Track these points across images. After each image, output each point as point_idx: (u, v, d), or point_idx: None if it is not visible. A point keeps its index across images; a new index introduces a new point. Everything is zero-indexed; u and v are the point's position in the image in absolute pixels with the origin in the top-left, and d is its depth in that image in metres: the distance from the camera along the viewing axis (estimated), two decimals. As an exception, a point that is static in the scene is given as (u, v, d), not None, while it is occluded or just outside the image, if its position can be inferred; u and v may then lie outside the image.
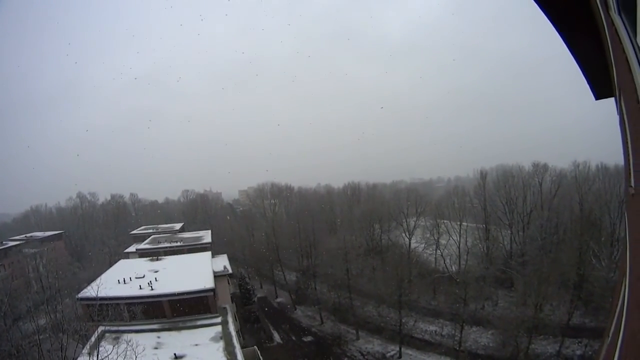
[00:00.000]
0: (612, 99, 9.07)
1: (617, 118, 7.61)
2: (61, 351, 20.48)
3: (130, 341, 21.20)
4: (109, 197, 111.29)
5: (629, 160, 5.56)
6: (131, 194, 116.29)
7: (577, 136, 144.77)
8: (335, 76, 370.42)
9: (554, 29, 7.00)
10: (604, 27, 5.41)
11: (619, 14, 3.90)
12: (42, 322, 25.22)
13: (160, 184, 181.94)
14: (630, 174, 5.50)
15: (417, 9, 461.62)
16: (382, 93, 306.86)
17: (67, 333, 21.81)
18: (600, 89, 9.15)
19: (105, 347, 21.51)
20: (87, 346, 23.32)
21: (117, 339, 24.58)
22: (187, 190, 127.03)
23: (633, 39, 3.58)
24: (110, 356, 19.92)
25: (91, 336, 24.96)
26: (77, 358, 22.34)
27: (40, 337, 21.44)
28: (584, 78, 8.84)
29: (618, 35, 4.04)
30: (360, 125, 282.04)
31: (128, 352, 20.22)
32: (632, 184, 5.09)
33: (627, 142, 5.59)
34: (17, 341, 28.37)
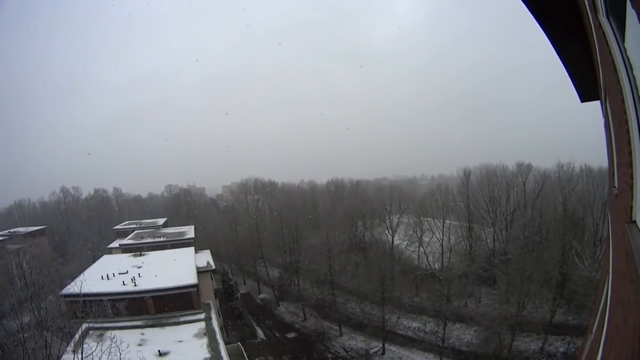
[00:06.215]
0: (597, 101, 9.25)
1: (602, 120, 7.77)
2: (45, 349, 20.10)
3: (114, 338, 20.88)
4: (92, 192, 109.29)
5: (613, 161, 5.68)
6: (115, 189, 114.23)
7: (562, 138, 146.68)
8: (320, 78, 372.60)
9: (542, 31, 7.11)
10: (592, 31, 5.49)
11: (607, 17, 3.95)
12: (26, 319, 24.70)
13: (144, 178, 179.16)
14: (613, 174, 5.61)
15: (400, 18, 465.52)
16: (367, 96, 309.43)
17: (51, 330, 21.40)
18: (586, 91, 9.32)
19: (90, 344, 21.18)
20: (72, 343, 22.92)
21: (101, 335, 24.21)
22: (171, 185, 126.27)
23: (620, 43, 3.61)
24: (94, 353, 19.63)
25: (75, 333, 24.57)
26: (61, 356, 21.98)
27: (25, 335, 20.97)
28: (570, 80, 9.00)
29: (606, 39, 4.09)
30: (345, 124, 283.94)
31: (112, 349, 19.95)
32: (616, 185, 5.20)
33: (611, 144, 5.69)
34: (1, 340, 27.76)
